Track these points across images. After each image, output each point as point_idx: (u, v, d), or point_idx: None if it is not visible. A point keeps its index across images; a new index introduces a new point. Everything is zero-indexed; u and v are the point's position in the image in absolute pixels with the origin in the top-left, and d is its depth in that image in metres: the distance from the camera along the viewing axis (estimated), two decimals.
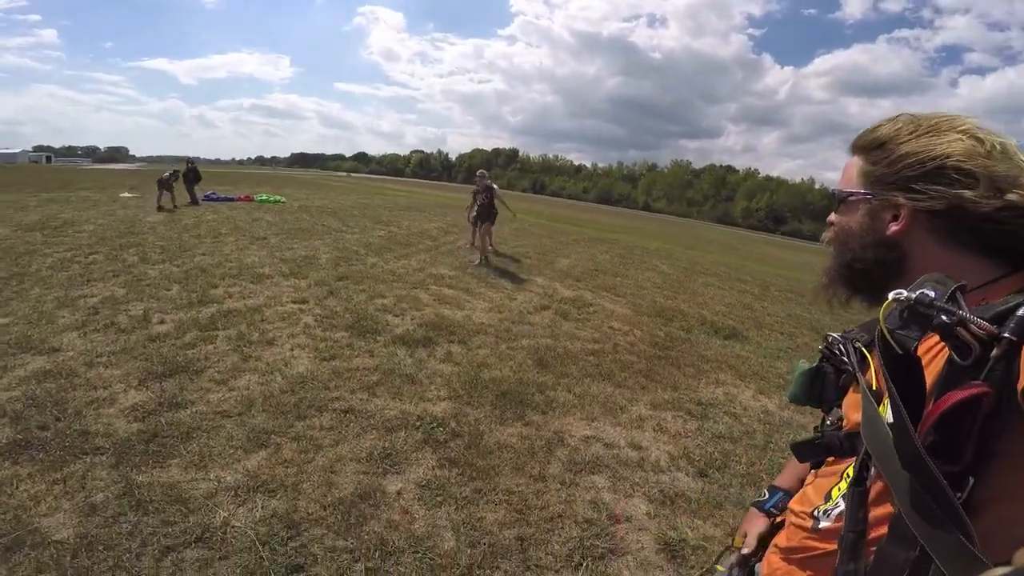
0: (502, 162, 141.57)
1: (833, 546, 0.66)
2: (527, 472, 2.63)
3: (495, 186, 8.49)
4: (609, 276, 8.81)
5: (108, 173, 34.72)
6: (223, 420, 2.79)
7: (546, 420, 3.21)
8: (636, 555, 2.16)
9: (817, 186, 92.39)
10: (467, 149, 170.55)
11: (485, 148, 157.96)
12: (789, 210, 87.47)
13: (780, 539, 0.81)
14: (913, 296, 0.54)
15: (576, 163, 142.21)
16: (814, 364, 0.87)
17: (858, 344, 0.78)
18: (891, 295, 0.56)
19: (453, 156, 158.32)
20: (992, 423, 0.50)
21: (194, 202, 13.64)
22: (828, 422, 0.83)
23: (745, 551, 0.98)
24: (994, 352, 0.49)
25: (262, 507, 2.13)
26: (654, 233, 26.54)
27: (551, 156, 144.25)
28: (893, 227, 0.67)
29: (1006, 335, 0.49)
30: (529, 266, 8.73)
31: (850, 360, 0.77)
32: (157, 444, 2.51)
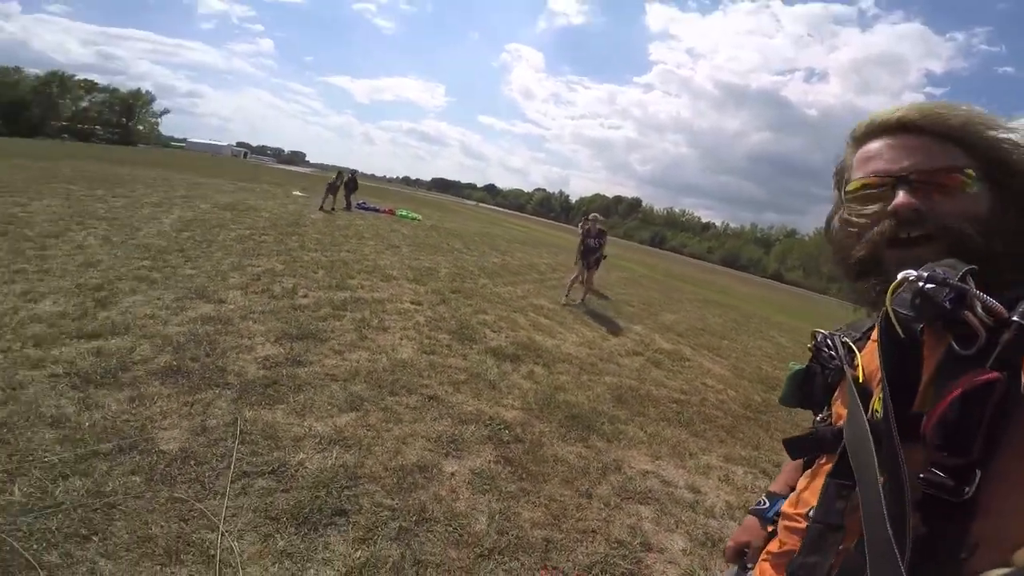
0: (623, 210, 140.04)
1: None
2: (575, 487, 2.66)
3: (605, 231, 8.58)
4: (716, 338, 8.34)
5: (287, 173, 41.32)
6: (331, 382, 3.22)
7: (609, 448, 3.19)
8: None
9: None
10: (588, 193, 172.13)
11: (607, 195, 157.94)
12: None
13: (773, 545, 0.77)
14: (925, 275, 0.51)
15: (704, 220, 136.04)
16: (803, 365, 0.85)
17: (846, 339, 0.76)
18: (900, 274, 0.53)
19: (574, 198, 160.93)
20: (1003, 412, 0.47)
21: (348, 208, 15.61)
22: (819, 418, 0.81)
23: (750, 566, 0.92)
24: (1004, 336, 0.48)
25: (336, 457, 2.43)
26: (780, 305, 24.34)
27: (677, 210, 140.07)
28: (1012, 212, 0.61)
29: (1016, 319, 0.48)
30: (631, 314, 8.59)
31: (838, 355, 0.75)
32: (273, 390, 2.94)
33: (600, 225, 8.45)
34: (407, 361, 3.83)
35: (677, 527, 2.52)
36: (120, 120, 72.06)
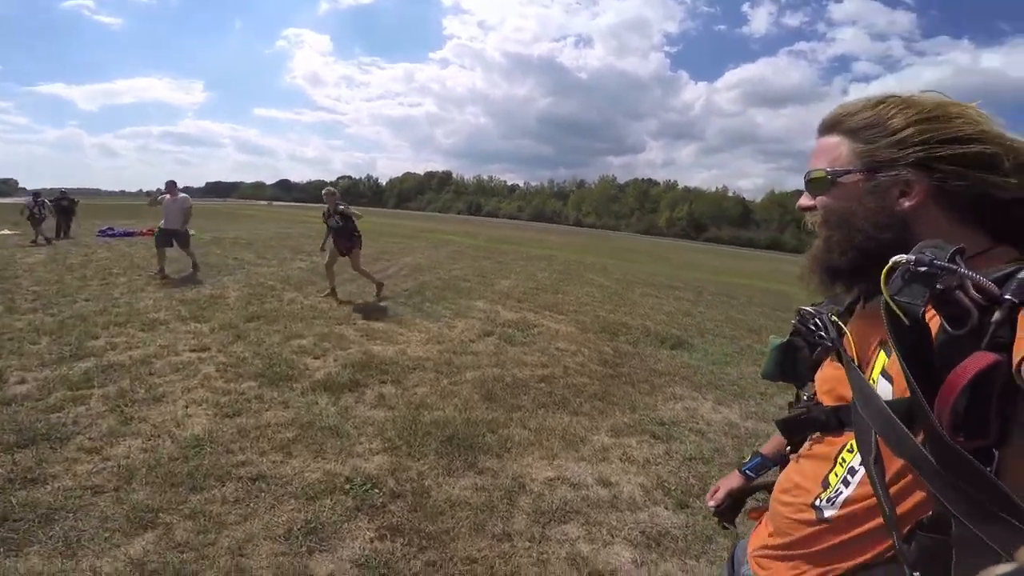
0: (435, 185, 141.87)
1: (849, 535, 0.64)
2: (488, 531, 2.24)
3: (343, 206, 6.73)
4: (550, 294, 8.67)
5: None
6: (95, 497, 2.28)
7: (502, 465, 2.83)
8: None
9: (731, 193, 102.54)
10: (398, 173, 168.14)
11: (417, 172, 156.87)
12: (708, 218, 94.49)
13: (772, 539, 0.76)
14: (913, 258, 0.52)
15: (509, 183, 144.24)
16: (785, 339, 0.85)
17: (834, 317, 0.77)
18: (892, 259, 0.54)
19: (383, 181, 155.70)
20: (1009, 391, 0.46)
21: (58, 236, 12.75)
22: (805, 397, 0.82)
23: (711, 503, 1.04)
24: (996, 316, 0.47)
25: None
26: (587, 247, 27.18)
27: (485, 177, 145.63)
28: (905, 203, 0.65)
29: (1008, 296, 0.48)
30: (468, 289, 8.42)
31: (828, 334, 0.76)
32: (7, 529, 2.03)
33: (339, 201, 6.68)
34: (203, 436, 2.85)
35: (613, 537, 2.30)
36: None
